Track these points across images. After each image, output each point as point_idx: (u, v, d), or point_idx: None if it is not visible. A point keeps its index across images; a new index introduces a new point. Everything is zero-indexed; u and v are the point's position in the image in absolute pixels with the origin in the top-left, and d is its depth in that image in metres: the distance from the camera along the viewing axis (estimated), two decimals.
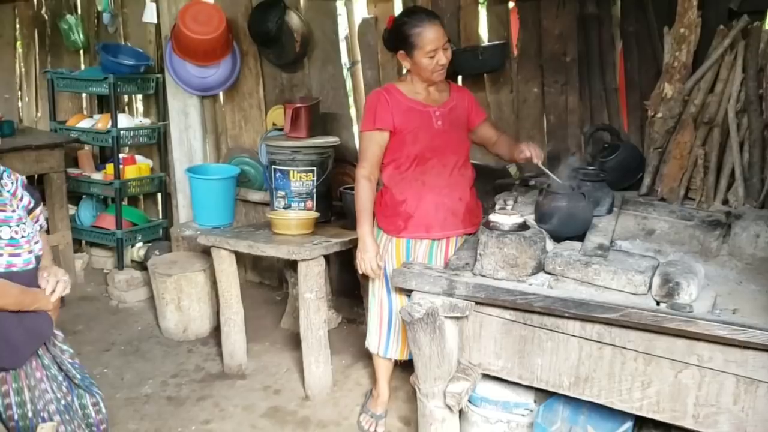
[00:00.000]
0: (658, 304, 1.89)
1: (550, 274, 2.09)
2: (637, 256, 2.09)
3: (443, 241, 2.70)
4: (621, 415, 2.10)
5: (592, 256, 2.06)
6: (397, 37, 2.58)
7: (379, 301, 2.80)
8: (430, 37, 2.50)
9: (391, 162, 2.67)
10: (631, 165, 2.94)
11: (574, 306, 1.92)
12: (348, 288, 4.05)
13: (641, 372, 1.92)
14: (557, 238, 2.29)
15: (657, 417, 1.94)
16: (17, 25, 5.86)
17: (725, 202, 2.63)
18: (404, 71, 2.73)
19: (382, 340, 2.83)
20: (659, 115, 2.77)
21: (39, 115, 5.79)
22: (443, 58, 2.54)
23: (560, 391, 2.09)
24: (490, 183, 3.19)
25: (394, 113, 2.59)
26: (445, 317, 2.13)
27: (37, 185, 4.82)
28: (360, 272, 2.73)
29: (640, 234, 2.45)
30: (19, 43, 5.91)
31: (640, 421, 2.13)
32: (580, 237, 2.26)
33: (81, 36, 5.18)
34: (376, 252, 2.66)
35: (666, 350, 1.87)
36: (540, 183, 2.77)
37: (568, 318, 1.98)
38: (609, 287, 1.97)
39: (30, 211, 2.00)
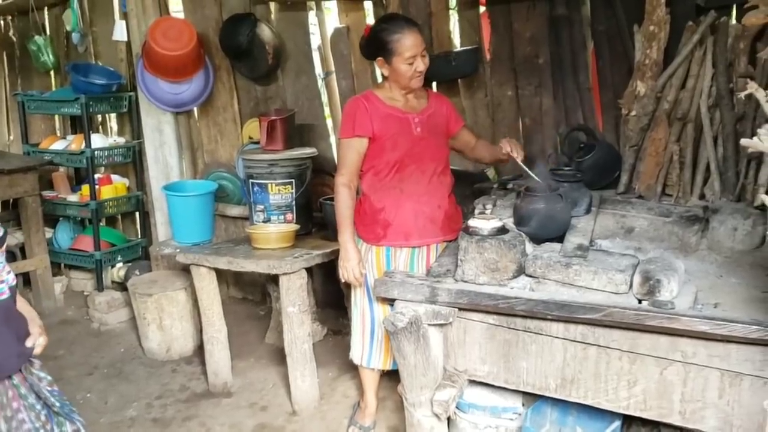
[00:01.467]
0: (639, 302, 1.89)
1: (531, 276, 2.08)
2: (617, 255, 2.09)
3: (424, 248, 2.68)
4: (609, 415, 2.09)
5: (572, 257, 2.06)
6: (375, 43, 2.58)
7: (361, 311, 2.78)
8: (408, 43, 2.50)
9: (370, 169, 2.66)
10: (607, 164, 2.95)
11: (557, 308, 1.91)
12: (333, 299, 4.02)
13: (626, 371, 1.92)
14: (537, 241, 2.29)
15: (644, 415, 1.94)
16: None
17: (702, 196, 2.65)
18: (380, 79, 2.72)
19: (365, 350, 2.81)
20: (633, 113, 2.78)
21: (11, 138, 5.71)
22: (421, 64, 2.54)
23: (547, 394, 2.09)
24: (469, 188, 3.19)
25: (373, 120, 2.58)
26: (429, 325, 2.12)
27: (12, 210, 4.76)
28: (342, 281, 2.71)
29: (620, 232, 2.46)
30: None
31: (628, 420, 2.12)
32: (560, 238, 2.26)
33: (51, 57, 5.12)
34: (358, 260, 2.64)
35: (650, 348, 1.87)
36: (518, 186, 2.77)
37: (551, 320, 1.98)
38: (590, 287, 1.97)
39: (0, 242, 1.96)
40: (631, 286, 1.93)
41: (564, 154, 3.16)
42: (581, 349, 1.97)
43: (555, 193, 2.32)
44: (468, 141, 2.83)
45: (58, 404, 2.06)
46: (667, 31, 2.72)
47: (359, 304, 2.78)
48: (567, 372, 2.01)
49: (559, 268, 2.01)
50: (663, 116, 2.71)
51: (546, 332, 2.01)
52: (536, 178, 2.38)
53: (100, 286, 4.49)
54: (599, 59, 3.40)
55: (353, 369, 3.19)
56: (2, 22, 5.58)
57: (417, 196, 2.63)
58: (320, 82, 4.24)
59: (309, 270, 3.19)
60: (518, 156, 2.54)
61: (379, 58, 2.59)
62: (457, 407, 2.26)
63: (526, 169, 2.43)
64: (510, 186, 2.95)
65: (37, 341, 2.00)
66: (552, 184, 2.38)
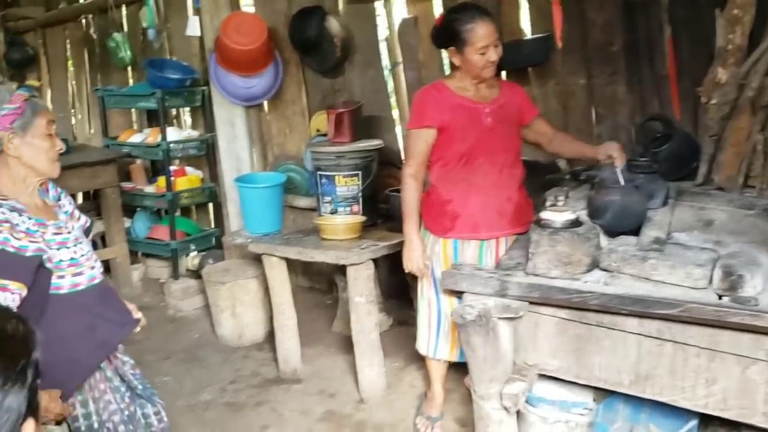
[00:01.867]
0: (720, 298, 1.82)
1: (605, 270, 2.03)
2: (696, 249, 2.02)
3: (492, 241, 2.66)
4: (685, 413, 2.03)
5: (648, 250, 2.00)
6: (447, 33, 2.56)
7: (427, 302, 2.78)
8: (481, 33, 2.47)
9: (438, 160, 2.65)
10: (685, 154, 2.84)
11: (632, 303, 1.86)
12: (398, 290, 4.04)
13: (705, 368, 1.85)
14: (611, 233, 2.22)
15: (724, 415, 1.87)
16: (68, 46, 6.08)
17: None
18: (447, 70, 2.71)
19: (432, 341, 2.81)
20: (713, 101, 2.67)
21: (92, 131, 5.98)
22: (494, 54, 2.51)
23: (620, 390, 2.04)
24: (540, 179, 3.13)
25: (443, 110, 2.57)
26: (498, 318, 2.10)
27: (92, 200, 5.00)
28: (406, 271, 2.72)
29: (698, 225, 2.37)
30: (70, 63, 6.12)
31: (705, 419, 2.06)
32: (635, 231, 2.20)
33: (128, 53, 5.32)
34: (422, 251, 2.64)
35: (731, 345, 1.80)
36: (590, 176, 2.70)
37: (626, 315, 1.93)
38: (667, 282, 1.90)
39: (87, 231, 2.08)
40: (710, 281, 1.86)
41: (639, 144, 3.07)
42: (656, 345, 1.92)
43: (631, 184, 2.26)
44: (545, 132, 2.77)
45: (140, 387, 2.17)
46: (752, 15, 2.59)
47: (426, 296, 2.79)
48: (641, 368, 1.96)
49: (634, 261, 1.96)
50: (746, 104, 2.58)
51: (620, 327, 1.96)
52: (623, 181, 2.30)
53: (175, 274, 4.66)
54: (677, 46, 3.27)
55: (419, 360, 3.21)
56: (84, 20, 5.83)
57: (486, 189, 2.60)
58: (387, 74, 4.25)
59: (375, 261, 3.22)
60: (620, 163, 2.41)
61: (451, 48, 2.56)
62: (526, 401, 2.24)
63: (621, 176, 2.33)
64: (583, 177, 2.88)
65: (138, 314, 2.14)
66: (628, 176, 2.32)
